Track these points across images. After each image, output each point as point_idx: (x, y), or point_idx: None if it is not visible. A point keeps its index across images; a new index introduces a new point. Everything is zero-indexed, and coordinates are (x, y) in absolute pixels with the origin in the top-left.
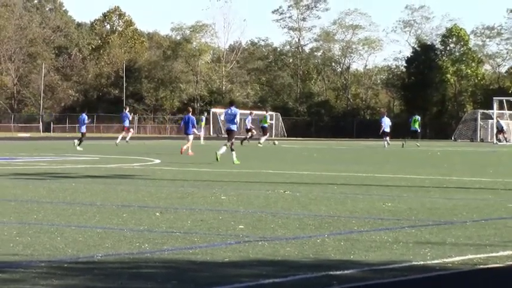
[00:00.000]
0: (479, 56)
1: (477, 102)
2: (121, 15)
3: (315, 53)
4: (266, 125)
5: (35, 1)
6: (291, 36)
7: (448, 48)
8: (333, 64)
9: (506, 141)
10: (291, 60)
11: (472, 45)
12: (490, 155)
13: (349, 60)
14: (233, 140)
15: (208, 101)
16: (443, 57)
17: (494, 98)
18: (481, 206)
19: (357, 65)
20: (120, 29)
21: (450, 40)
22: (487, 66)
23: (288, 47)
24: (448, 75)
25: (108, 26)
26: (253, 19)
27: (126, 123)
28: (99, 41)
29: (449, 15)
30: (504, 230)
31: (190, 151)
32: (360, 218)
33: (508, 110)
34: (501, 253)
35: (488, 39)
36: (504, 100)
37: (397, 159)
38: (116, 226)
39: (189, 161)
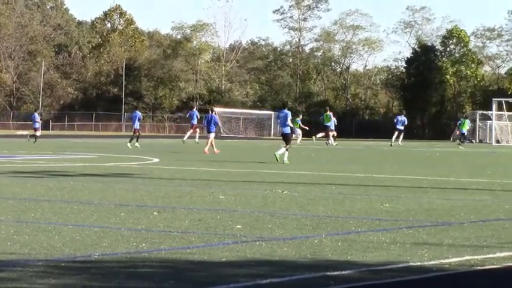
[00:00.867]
0: (479, 57)
1: (476, 103)
2: (122, 13)
3: (315, 53)
4: (328, 123)
5: None
6: (291, 36)
7: (448, 50)
8: (333, 64)
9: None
10: (290, 60)
11: (472, 47)
12: (488, 156)
13: (349, 60)
14: (291, 144)
15: (207, 100)
16: (443, 58)
17: (493, 99)
18: (478, 207)
19: (356, 65)
20: (120, 27)
21: (450, 41)
22: (486, 68)
23: (288, 46)
24: (448, 76)
25: (108, 25)
26: (254, 19)
27: (195, 121)
28: (100, 40)
29: (450, 17)
30: (501, 232)
31: (215, 149)
32: (358, 219)
33: (507, 111)
34: (498, 254)
35: (488, 41)
36: (503, 101)
37: (396, 160)
38: (113, 225)
39: (215, 159)
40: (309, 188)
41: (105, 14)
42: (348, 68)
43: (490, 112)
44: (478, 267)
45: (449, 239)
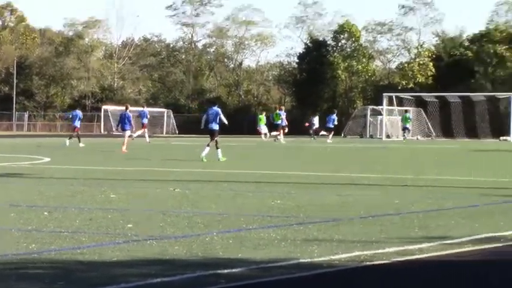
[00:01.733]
0: (370, 52)
1: (367, 98)
2: (13, 10)
3: (208, 49)
4: (279, 121)
5: None
6: (184, 32)
7: (339, 44)
8: (226, 60)
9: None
10: (183, 56)
11: (364, 41)
12: (379, 151)
13: (242, 56)
14: (217, 139)
15: (99, 98)
16: (335, 53)
17: (384, 94)
18: (368, 202)
19: (249, 61)
20: (12, 24)
21: (342, 36)
22: (377, 62)
23: (181, 43)
24: (339, 71)
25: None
26: (147, 15)
27: (145, 121)
28: None
29: (342, 11)
30: (390, 227)
31: (124, 148)
32: (249, 216)
33: (397, 106)
34: (387, 250)
35: (379, 35)
36: (393, 96)
37: (287, 156)
38: (3, 226)
39: (112, 157)
40: (200, 186)
41: None
42: (240, 64)
43: (380, 107)
44: (367, 263)
45: (340, 235)
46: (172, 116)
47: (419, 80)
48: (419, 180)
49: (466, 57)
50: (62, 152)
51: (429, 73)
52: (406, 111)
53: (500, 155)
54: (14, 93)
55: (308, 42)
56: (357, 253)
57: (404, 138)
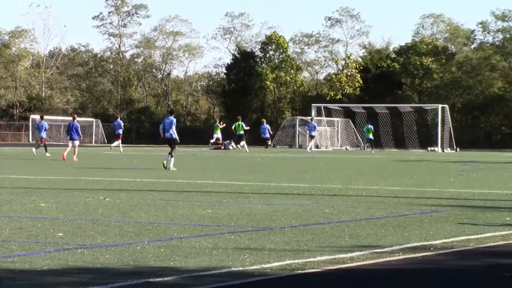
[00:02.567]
0: (297, 63)
1: (296, 108)
2: None
3: (136, 60)
4: (242, 132)
5: None
6: (111, 43)
7: (267, 56)
8: (154, 70)
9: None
10: (111, 66)
11: (291, 53)
12: (308, 161)
13: (170, 66)
14: (176, 148)
15: (27, 107)
16: (263, 64)
17: (312, 104)
18: (299, 211)
19: (177, 71)
20: None
21: (270, 47)
22: (305, 74)
23: (109, 53)
24: (268, 82)
25: None
26: (74, 25)
27: (120, 131)
28: None
29: (269, 23)
30: (321, 235)
31: (64, 154)
32: (180, 225)
33: (325, 116)
34: (318, 258)
35: (306, 47)
36: (322, 107)
37: (218, 165)
38: None
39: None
40: (131, 195)
41: None
42: (169, 74)
43: (309, 117)
44: (299, 271)
45: (271, 244)
46: (101, 125)
47: (347, 91)
48: (348, 189)
49: (393, 69)
50: None
51: (357, 84)
52: (367, 122)
53: (428, 165)
54: None
55: (236, 53)
56: (288, 262)
57: (366, 149)
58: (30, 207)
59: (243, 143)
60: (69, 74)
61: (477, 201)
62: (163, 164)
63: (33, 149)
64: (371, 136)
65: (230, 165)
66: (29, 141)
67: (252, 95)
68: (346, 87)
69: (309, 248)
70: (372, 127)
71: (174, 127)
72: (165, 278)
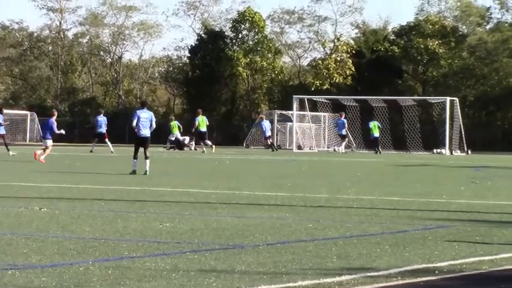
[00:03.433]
0: (276, 45)
1: (274, 101)
2: None
3: (80, 40)
4: (205, 129)
5: None
6: (50, 19)
7: (240, 36)
8: (102, 53)
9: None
10: (50, 48)
11: (269, 33)
12: (288, 165)
13: (121, 48)
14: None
15: None
16: (234, 47)
17: (294, 96)
18: (276, 226)
19: (130, 54)
20: None
21: (243, 26)
22: (286, 58)
23: (47, 31)
24: (240, 69)
25: None
26: None
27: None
28: None
29: None
30: (303, 256)
31: (38, 155)
32: (132, 241)
33: (310, 110)
34: (300, 283)
35: (287, 26)
36: (306, 99)
37: (178, 170)
38: None
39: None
40: (72, 204)
41: None
42: (120, 58)
43: (290, 112)
44: None
45: (242, 265)
46: (37, 119)
47: (337, 80)
48: (337, 200)
49: (392, 53)
50: None
51: (348, 72)
52: (373, 117)
53: (433, 171)
54: None
55: (202, 33)
56: (263, 287)
57: (376, 151)
58: None
59: (208, 142)
60: (0, 57)
61: (492, 215)
62: (135, 171)
63: None
64: (377, 134)
65: (193, 170)
66: None
67: (221, 83)
68: (335, 75)
69: (288, 271)
70: (378, 123)
71: (154, 122)
72: None
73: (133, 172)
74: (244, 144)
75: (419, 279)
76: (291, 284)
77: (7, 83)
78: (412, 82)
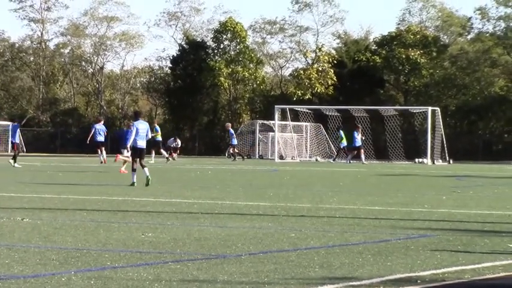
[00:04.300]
0: (258, 55)
1: (256, 111)
2: None
3: (62, 50)
4: (160, 138)
5: None
6: (32, 30)
7: (221, 47)
8: (83, 64)
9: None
10: (32, 58)
11: (250, 43)
12: (270, 175)
13: (103, 59)
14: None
15: None
16: (216, 57)
17: (276, 106)
18: (259, 235)
19: (112, 65)
20: None
21: (224, 36)
22: (267, 69)
23: (29, 42)
24: (222, 79)
25: None
26: None
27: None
28: None
29: (223, 7)
30: (286, 265)
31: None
32: (115, 251)
33: (292, 120)
34: None
35: (269, 36)
36: (287, 109)
37: (160, 180)
38: None
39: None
40: (54, 215)
41: None
42: (101, 68)
43: (272, 122)
44: None
45: (224, 275)
46: (18, 130)
47: (318, 90)
48: (319, 209)
49: (374, 63)
50: None
51: (330, 82)
52: (338, 127)
53: (415, 180)
54: None
55: (183, 43)
56: None
57: (341, 159)
58: None
59: (163, 152)
60: None
61: (474, 224)
62: (134, 183)
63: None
64: (344, 144)
65: (175, 180)
66: None
67: (203, 94)
68: (317, 85)
69: (270, 281)
70: (342, 134)
71: (150, 133)
72: None
73: (133, 184)
74: (226, 154)
75: None
76: None
77: None
78: (393, 92)
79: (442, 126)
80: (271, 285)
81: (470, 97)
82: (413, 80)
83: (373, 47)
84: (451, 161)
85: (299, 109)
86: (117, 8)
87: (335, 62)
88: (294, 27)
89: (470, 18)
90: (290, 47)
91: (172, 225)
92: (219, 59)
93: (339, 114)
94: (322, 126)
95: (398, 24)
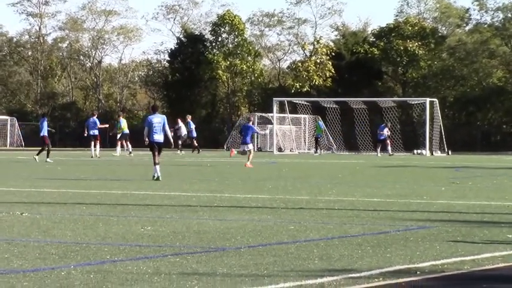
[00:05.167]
0: (256, 48)
1: (254, 103)
2: None
3: (60, 45)
4: (126, 131)
5: None
6: (30, 24)
7: (219, 39)
8: (82, 58)
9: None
10: (30, 53)
11: (249, 36)
12: (269, 167)
13: (101, 53)
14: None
15: None
16: (214, 50)
17: (274, 98)
18: (258, 228)
19: (110, 58)
20: None
21: (222, 29)
22: (265, 61)
23: (27, 36)
24: (220, 72)
25: None
26: None
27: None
28: None
29: (221, 0)
30: (285, 258)
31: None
32: (114, 245)
33: (290, 113)
34: (282, 285)
35: (267, 29)
36: (286, 101)
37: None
38: None
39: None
40: (54, 209)
41: None
42: (99, 62)
43: (270, 114)
44: None
45: (224, 268)
46: (17, 124)
47: (316, 82)
48: (318, 201)
49: (372, 55)
50: None
51: (328, 74)
52: (316, 117)
53: (414, 172)
54: None
55: (181, 36)
56: None
57: (316, 151)
58: None
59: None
60: None
61: (473, 215)
62: (154, 176)
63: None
64: (320, 135)
65: (174, 173)
66: None
67: (201, 87)
68: (315, 77)
69: (270, 273)
70: (322, 124)
71: (167, 127)
72: None
73: (156, 178)
74: (225, 147)
75: (401, 280)
76: (272, 286)
77: None
78: (391, 83)
79: (440, 118)
80: (270, 277)
81: (468, 88)
82: (411, 72)
83: (371, 39)
84: (449, 152)
85: (297, 101)
86: (115, 1)
87: (333, 54)
88: (292, 19)
89: (468, 9)
90: (288, 40)
91: (171, 218)
92: (217, 52)
93: (337, 106)
94: (320, 118)
95: (397, 15)
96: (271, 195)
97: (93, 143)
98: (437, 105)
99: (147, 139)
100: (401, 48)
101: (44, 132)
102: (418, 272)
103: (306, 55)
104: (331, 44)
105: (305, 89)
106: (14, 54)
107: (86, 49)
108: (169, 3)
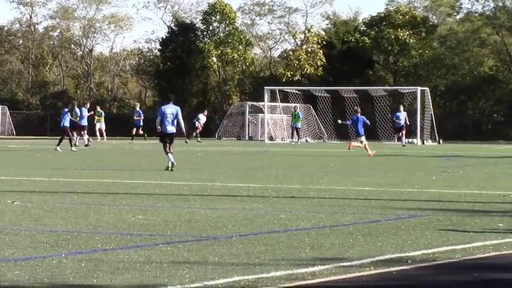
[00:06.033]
0: (247, 37)
1: (245, 92)
2: None
3: (51, 33)
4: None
5: None
6: (21, 13)
7: (210, 28)
8: (72, 46)
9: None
10: (21, 41)
11: (239, 25)
12: (260, 156)
13: (92, 41)
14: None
15: None
16: (205, 39)
17: (265, 87)
18: (249, 217)
19: (101, 47)
20: None
21: (213, 18)
22: (256, 50)
23: (18, 25)
24: (211, 60)
25: None
26: None
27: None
28: None
29: None
30: (276, 246)
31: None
32: (105, 234)
33: (281, 102)
34: (273, 274)
35: (258, 18)
36: (277, 90)
37: (150, 162)
38: None
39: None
40: (45, 198)
41: None
42: (90, 51)
43: (261, 103)
44: None
45: (215, 257)
46: (8, 113)
47: (308, 71)
48: (309, 190)
49: (363, 44)
50: None
51: (319, 63)
52: (294, 107)
53: (405, 161)
54: None
55: (172, 25)
56: (236, 278)
57: (292, 141)
58: None
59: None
60: None
61: (464, 204)
62: (169, 166)
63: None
64: (299, 125)
65: (165, 162)
66: None
67: (192, 76)
68: (306, 66)
69: (261, 262)
70: (300, 113)
71: (180, 117)
72: None
73: (170, 167)
74: (216, 136)
75: (392, 269)
76: (264, 275)
77: None
78: (383, 72)
79: (431, 107)
80: (261, 266)
81: (459, 77)
82: (402, 61)
83: (362, 28)
84: (440, 141)
85: (288, 90)
86: None
87: (324, 43)
88: (283, 8)
89: None
90: (279, 28)
91: (162, 207)
92: (208, 40)
93: (328, 95)
94: (312, 108)
95: (387, 4)
96: (263, 184)
97: (83, 132)
98: (429, 94)
99: (159, 127)
100: (392, 37)
101: (65, 123)
102: (409, 261)
103: (297, 44)
104: (322, 33)
105: (296, 78)
106: (5, 43)
107: (77, 38)
108: None
